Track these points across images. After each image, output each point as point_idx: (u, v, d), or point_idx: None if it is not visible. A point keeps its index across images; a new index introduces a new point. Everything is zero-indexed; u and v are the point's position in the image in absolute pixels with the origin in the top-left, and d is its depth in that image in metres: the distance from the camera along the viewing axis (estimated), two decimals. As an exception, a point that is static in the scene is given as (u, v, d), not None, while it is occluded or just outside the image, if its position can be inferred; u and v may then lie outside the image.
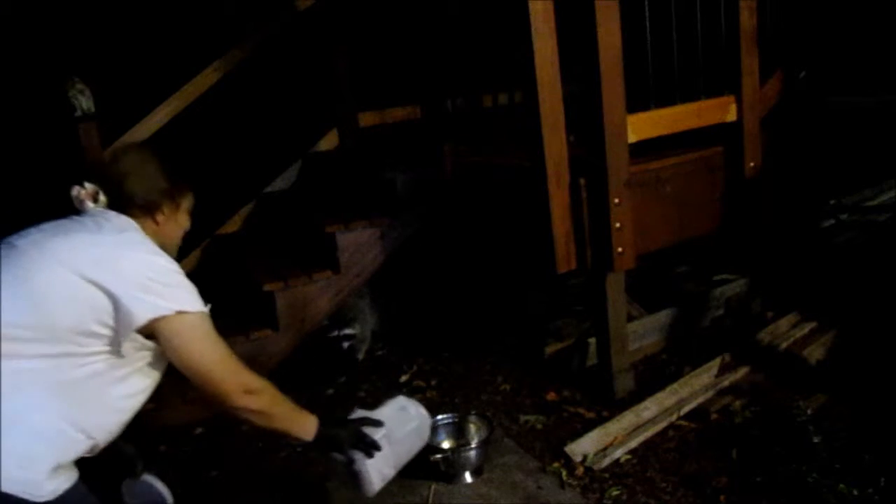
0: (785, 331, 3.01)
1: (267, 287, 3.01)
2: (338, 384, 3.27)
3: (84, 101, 2.93)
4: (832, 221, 3.45)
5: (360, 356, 3.28)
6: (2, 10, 3.94)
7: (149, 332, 1.49)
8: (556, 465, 2.44)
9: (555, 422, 2.73)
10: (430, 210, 3.32)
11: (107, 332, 1.46)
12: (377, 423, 1.81)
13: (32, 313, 1.42)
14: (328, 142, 4.17)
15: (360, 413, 1.86)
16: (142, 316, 1.45)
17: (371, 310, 3.47)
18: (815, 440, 2.22)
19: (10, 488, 1.32)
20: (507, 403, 2.93)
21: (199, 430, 2.95)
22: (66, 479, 1.42)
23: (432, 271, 3.62)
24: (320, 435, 1.72)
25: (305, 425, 1.71)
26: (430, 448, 2.42)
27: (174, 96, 3.36)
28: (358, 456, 1.75)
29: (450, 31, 3.27)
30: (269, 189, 4.06)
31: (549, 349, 3.22)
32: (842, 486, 2.04)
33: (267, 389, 1.64)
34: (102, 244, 1.52)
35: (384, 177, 3.36)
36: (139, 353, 1.54)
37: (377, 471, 1.78)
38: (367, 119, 4.07)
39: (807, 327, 2.99)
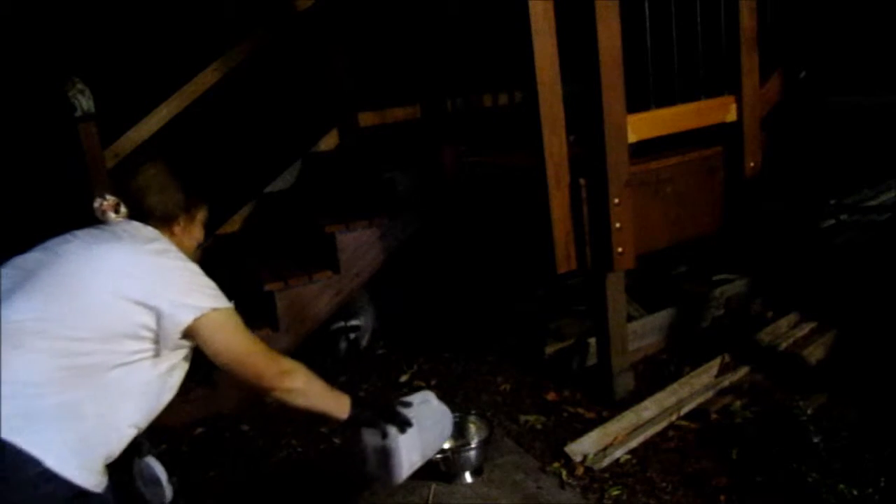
0: (785, 331, 3.01)
1: (267, 287, 3.02)
2: (338, 383, 3.26)
3: (84, 101, 2.93)
4: (832, 221, 3.45)
5: (364, 344, 3.25)
6: (2, 10, 3.95)
7: (186, 332, 1.60)
8: (556, 465, 2.44)
9: (555, 422, 2.73)
10: (430, 210, 3.32)
11: (149, 335, 1.57)
12: (407, 405, 1.90)
13: (78, 317, 1.51)
14: (328, 142, 4.17)
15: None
16: (184, 319, 1.57)
17: (370, 306, 3.47)
18: (815, 440, 2.22)
19: (70, 474, 1.41)
20: (507, 403, 2.93)
21: (199, 430, 2.95)
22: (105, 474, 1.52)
23: (432, 271, 3.63)
24: (355, 412, 1.82)
25: (340, 403, 1.82)
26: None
27: (174, 96, 3.37)
28: (392, 431, 1.83)
29: (450, 31, 3.27)
30: (269, 189, 4.06)
31: (549, 349, 3.22)
32: (842, 486, 2.04)
33: (300, 369, 1.75)
34: (137, 256, 1.64)
35: (384, 177, 3.36)
36: (175, 352, 1.64)
37: (407, 452, 1.85)
38: (367, 119, 4.07)
39: (807, 327, 2.99)
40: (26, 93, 3.88)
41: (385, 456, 1.84)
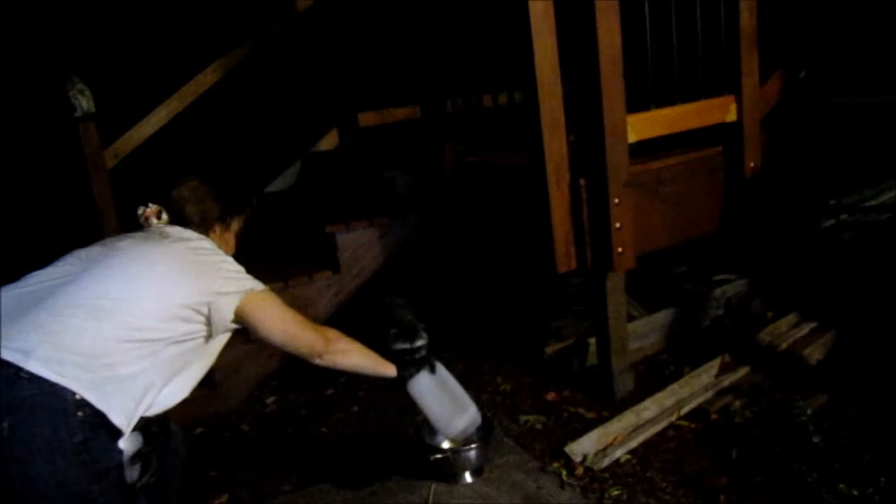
0: (785, 331, 3.01)
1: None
2: (338, 384, 3.27)
3: (84, 101, 2.93)
4: (832, 221, 3.44)
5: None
6: (2, 10, 3.94)
7: (236, 317, 1.77)
8: (556, 465, 2.44)
9: (555, 422, 2.73)
10: (430, 210, 3.32)
11: (201, 318, 1.73)
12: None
13: (141, 301, 1.66)
14: (328, 142, 4.17)
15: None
16: (231, 305, 1.75)
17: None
18: (815, 440, 2.22)
19: (104, 407, 1.55)
20: (507, 403, 2.93)
21: (199, 430, 2.95)
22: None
23: (432, 271, 3.62)
24: (401, 369, 2.13)
25: (383, 361, 2.09)
26: (430, 448, 2.43)
27: (174, 96, 3.36)
28: (438, 365, 2.23)
29: (450, 31, 3.27)
30: (269, 189, 4.06)
31: (549, 349, 3.22)
32: (842, 486, 2.04)
33: (342, 335, 1.98)
34: (182, 255, 1.79)
35: (384, 176, 3.36)
36: (225, 334, 1.83)
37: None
38: (367, 119, 4.07)
39: (807, 327, 2.99)
40: (26, 93, 3.88)
41: (445, 383, 2.23)
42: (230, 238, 2.06)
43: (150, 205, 1.93)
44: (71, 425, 1.51)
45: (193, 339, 1.75)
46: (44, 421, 1.49)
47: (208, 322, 1.75)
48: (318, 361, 1.93)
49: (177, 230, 1.90)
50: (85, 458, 1.52)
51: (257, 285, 1.83)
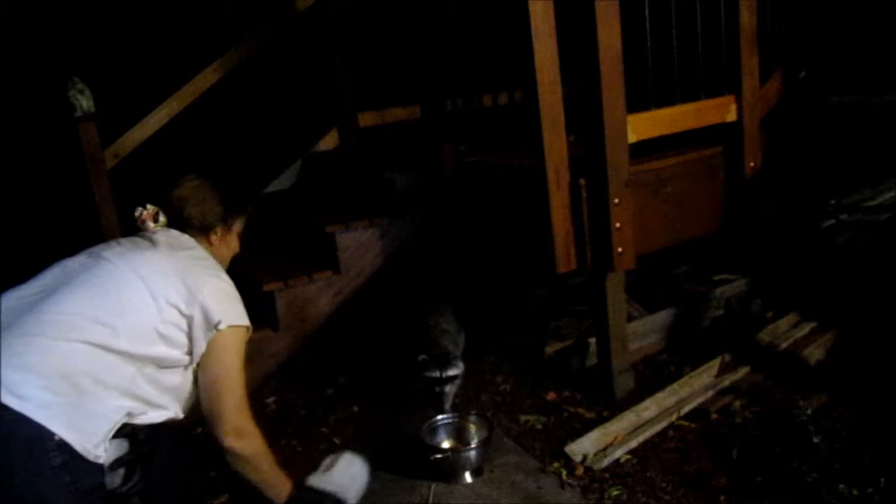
0: (785, 331, 3.00)
1: (267, 287, 3.01)
2: (338, 384, 3.27)
3: (84, 101, 2.93)
4: (832, 221, 3.44)
5: (449, 403, 2.68)
6: (2, 10, 3.94)
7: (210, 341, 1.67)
8: (556, 465, 2.44)
9: (555, 422, 2.73)
10: (430, 210, 3.32)
11: (181, 337, 1.65)
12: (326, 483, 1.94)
13: (115, 316, 1.59)
14: (328, 142, 4.17)
15: (317, 479, 1.94)
16: (215, 326, 1.65)
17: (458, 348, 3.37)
18: (815, 440, 2.22)
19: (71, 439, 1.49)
20: (507, 403, 2.93)
21: (198, 430, 2.94)
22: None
23: (432, 271, 3.62)
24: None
25: (280, 490, 1.83)
26: (430, 448, 2.43)
27: (174, 96, 3.37)
28: None
29: (450, 31, 3.27)
30: (269, 189, 4.06)
31: (549, 349, 3.22)
32: (842, 486, 2.04)
33: (258, 438, 1.77)
34: (174, 262, 1.71)
35: (384, 177, 3.36)
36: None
37: None
38: (367, 119, 4.07)
39: (807, 327, 2.99)
40: (26, 93, 3.88)
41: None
42: (232, 239, 1.99)
43: (148, 206, 1.85)
44: (47, 449, 1.45)
45: (173, 366, 1.65)
46: (20, 448, 1.44)
47: (189, 341, 1.66)
48: (220, 438, 1.73)
49: (171, 236, 1.81)
50: (67, 480, 1.47)
51: (244, 321, 1.74)
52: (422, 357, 2.59)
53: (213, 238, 1.90)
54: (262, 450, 1.78)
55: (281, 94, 4.22)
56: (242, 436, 1.72)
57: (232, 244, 1.99)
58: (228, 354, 1.70)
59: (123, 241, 1.80)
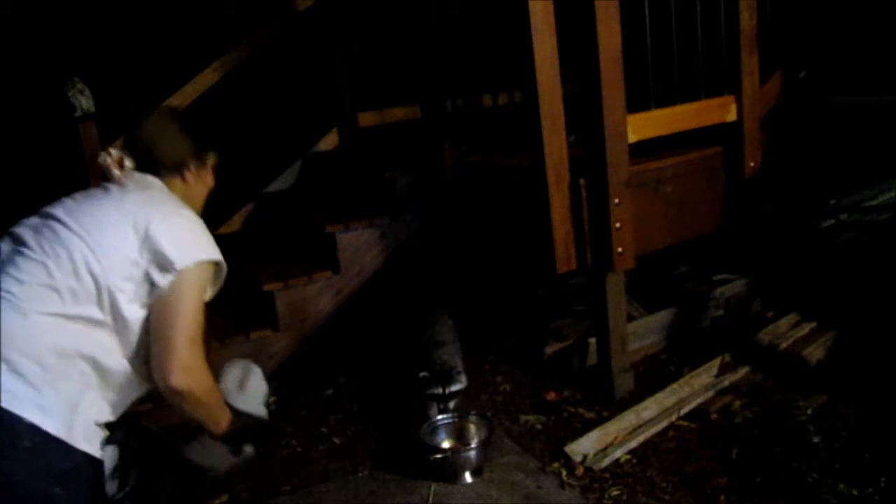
0: (785, 331, 3.00)
1: (267, 287, 3.01)
2: (338, 384, 3.27)
3: (84, 101, 2.93)
4: (832, 221, 3.44)
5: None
6: (2, 10, 3.94)
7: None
8: (556, 465, 2.44)
9: (555, 422, 2.73)
10: (430, 210, 3.32)
11: (144, 289, 1.57)
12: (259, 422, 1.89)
13: (71, 277, 1.52)
14: (328, 142, 4.17)
15: (240, 400, 1.86)
16: (170, 269, 1.57)
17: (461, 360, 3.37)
18: (815, 440, 2.22)
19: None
20: (507, 403, 2.93)
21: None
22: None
23: (432, 271, 3.62)
24: (228, 431, 1.76)
25: (222, 420, 1.74)
26: (430, 448, 2.43)
27: (174, 96, 3.37)
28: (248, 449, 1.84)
29: (449, 31, 3.27)
30: (269, 189, 4.06)
31: (549, 349, 3.21)
32: (842, 486, 2.04)
33: (205, 374, 1.64)
34: (130, 206, 1.63)
35: (384, 177, 3.36)
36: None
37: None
38: (367, 119, 4.08)
39: (807, 327, 2.99)
40: (26, 93, 3.88)
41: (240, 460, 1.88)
42: (207, 175, 1.86)
43: (112, 152, 1.73)
44: (17, 430, 1.40)
45: (133, 314, 1.57)
46: None
47: (151, 286, 1.56)
48: (165, 377, 1.56)
49: (138, 179, 1.71)
50: (40, 463, 1.42)
51: (213, 255, 1.65)
52: (422, 374, 2.57)
53: (188, 175, 1.79)
54: (210, 386, 1.66)
55: (281, 94, 4.22)
56: (189, 371, 1.57)
57: (207, 180, 1.87)
58: (188, 290, 1.59)
59: (76, 195, 1.71)
